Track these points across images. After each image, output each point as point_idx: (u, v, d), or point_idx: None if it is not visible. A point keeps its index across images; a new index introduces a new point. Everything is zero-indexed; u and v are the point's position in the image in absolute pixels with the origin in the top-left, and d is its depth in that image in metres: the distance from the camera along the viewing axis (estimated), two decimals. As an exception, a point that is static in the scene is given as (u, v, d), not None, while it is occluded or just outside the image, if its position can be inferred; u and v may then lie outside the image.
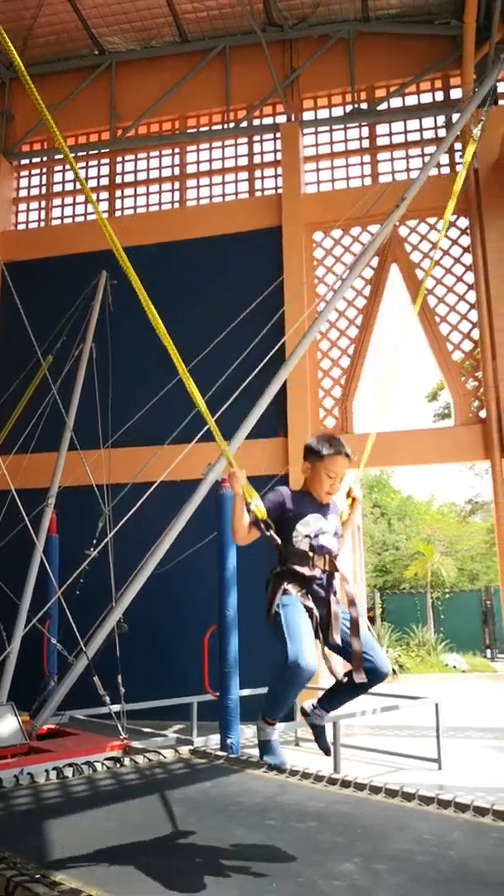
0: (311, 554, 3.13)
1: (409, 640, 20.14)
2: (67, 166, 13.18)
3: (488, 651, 21.48)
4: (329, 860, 2.99)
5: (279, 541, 3.20)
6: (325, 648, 3.11)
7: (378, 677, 3.09)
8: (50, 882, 2.71)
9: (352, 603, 3.10)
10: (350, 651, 3.06)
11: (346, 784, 4.16)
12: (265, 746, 3.12)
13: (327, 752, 3.35)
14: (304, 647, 2.82)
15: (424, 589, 24.14)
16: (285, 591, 3.07)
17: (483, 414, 10.33)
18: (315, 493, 3.29)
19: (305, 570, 3.09)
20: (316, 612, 3.05)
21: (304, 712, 3.30)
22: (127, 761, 4.95)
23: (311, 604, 3.07)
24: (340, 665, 3.17)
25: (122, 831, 3.49)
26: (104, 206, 12.87)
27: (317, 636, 3.06)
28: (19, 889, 2.64)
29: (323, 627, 3.07)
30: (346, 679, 3.12)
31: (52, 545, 7.97)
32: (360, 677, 3.00)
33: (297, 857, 3.02)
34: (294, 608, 3.00)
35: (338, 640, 3.03)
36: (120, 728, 5.84)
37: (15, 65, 3.23)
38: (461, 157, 11.17)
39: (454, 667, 18.33)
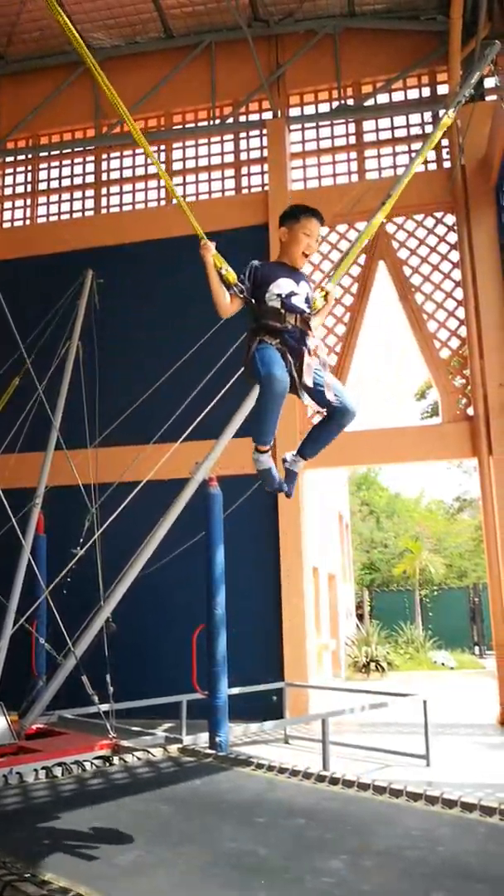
0: (282, 311, 3.43)
1: (398, 638, 20.21)
2: (54, 163, 13.12)
3: (476, 648, 21.58)
4: (317, 856, 2.99)
5: (253, 301, 3.51)
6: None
7: (348, 414, 3.45)
8: (39, 881, 2.71)
9: (316, 350, 3.42)
10: (322, 392, 3.39)
11: (334, 781, 4.17)
12: (261, 475, 3.47)
13: (288, 495, 3.70)
14: (275, 366, 3.19)
15: (413, 586, 24.22)
16: (261, 341, 3.39)
17: (471, 411, 10.36)
18: (291, 257, 3.61)
19: (278, 324, 3.41)
20: (290, 356, 3.37)
21: (283, 460, 3.64)
22: (116, 760, 4.95)
23: (284, 349, 3.39)
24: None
25: (112, 830, 3.49)
26: (90, 203, 12.82)
27: (291, 379, 3.35)
28: (8, 888, 2.63)
29: (297, 371, 3.37)
30: (317, 421, 3.54)
31: (40, 545, 7.94)
32: (329, 395, 3.38)
33: (285, 854, 3.02)
34: (268, 350, 3.34)
35: (309, 382, 3.37)
36: (109, 727, 5.83)
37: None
38: (448, 153, 11.19)
39: (442, 664, 18.41)
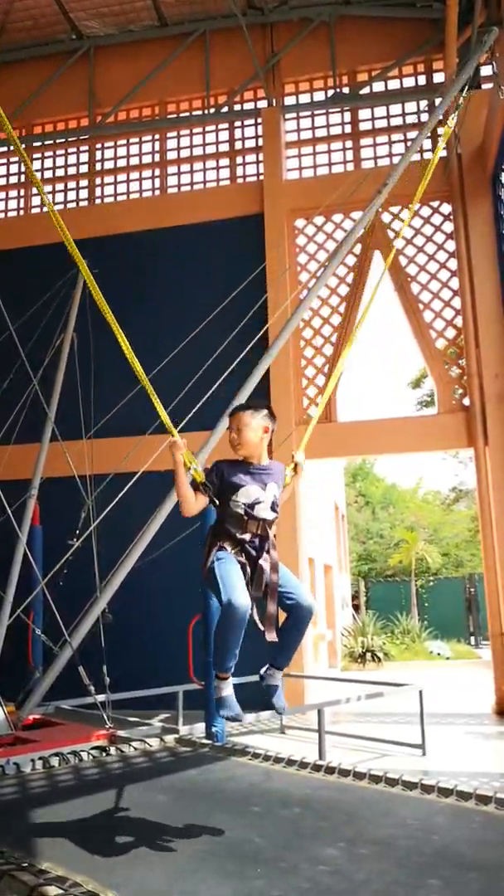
0: (245, 518, 3.31)
1: (394, 628, 20.26)
2: (48, 153, 13.05)
3: (472, 638, 21.66)
4: (313, 845, 3.00)
5: (217, 502, 3.40)
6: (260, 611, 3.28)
7: (303, 611, 3.29)
8: (37, 870, 2.71)
9: (274, 569, 3.28)
10: (284, 594, 3.28)
11: (330, 770, 4.18)
12: (220, 702, 3.25)
13: (280, 712, 3.50)
14: (237, 590, 3.04)
15: (409, 577, 24.28)
16: (221, 548, 3.28)
17: (467, 401, 10.35)
18: (242, 456, 3.47)
19: (238, 533, 3.29)
20: (248, 570, 3.26)
21: (260, 677, 3.47)
22: (113, 750, 4.96)
23: (244, 559, 3.27)
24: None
25: (109, 819, 3.50)
26: (84, 193, 12.76)
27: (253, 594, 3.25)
28: (6, 877, 2.64)
29: (254, 585, 3.26)
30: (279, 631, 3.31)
31: (36, 536, 7.93)
32: (270, 636, 3.23)
33: (281, 843, 3.03)
34: (227, 561, 3.22)
35: (259, 594, 3.24)
36: (105, 717, 5.84)
37: None
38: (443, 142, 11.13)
39: (438, 654, 18.47)
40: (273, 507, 3.40)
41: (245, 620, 2.99)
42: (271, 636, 3.22)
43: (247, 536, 3.28)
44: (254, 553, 3.28)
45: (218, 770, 4.38)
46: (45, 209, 12.83)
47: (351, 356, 11.07)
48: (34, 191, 12.99)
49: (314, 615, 3.41)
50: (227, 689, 3.28)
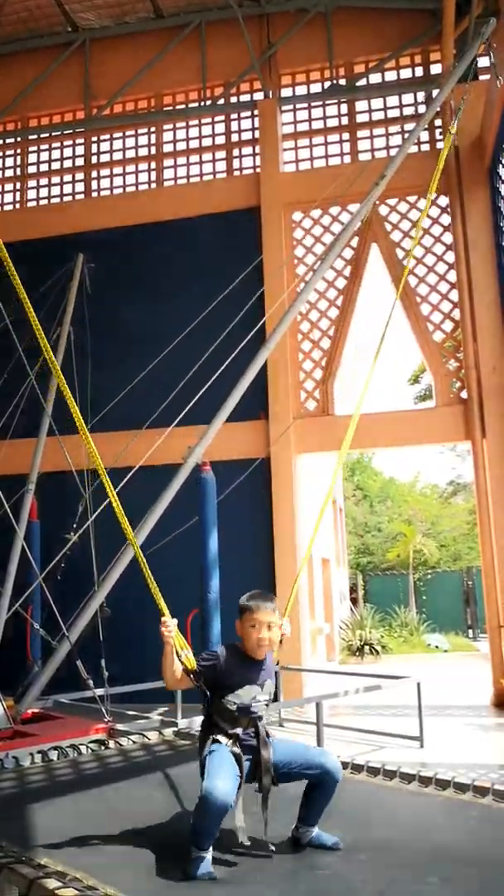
0: (236, 715, 3.12)
1: (392, 621, 20.30)
2: (44, 146, 12.97)
3: (470, 631, 21.70)
4: (312, 838, 3.00)
5: (208, 693, 3.20)
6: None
7: (331, 777, 3.03)
8: (36, 864, 2.71)
9: (267, 770, 3.06)
10: (291, 772, 3.08)
11: (329, 763, 4.17)
12: (194, 863, 2.82)
13: (335, 847, 3.08)
14: (218, 781, 2.82)
15: (407, 570, 24.31)
16: (215, 741, 3.09)
17: (464, 395, 10.35)
18: (249, 650, 3.23)
19: (229, 728, 3.11)
20: (243, 758, 3.05)
21: (293, 838, 3.14)
22: (111, 744, 4.97)
23: (238, 751, 3.07)
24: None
25: (107, 813, 3.50)
26: (80, 186, 12.70)
27: (250, 780, 3.07)
28: (6, 871, 2.64)
29: (255, 775, 3.08)
30: (304, 798, 3.10)
31: (33, 531, 7.92)
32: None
33: (280, 836, 3.03)
34: (219, 752, 3.03)
35: (266, 782, 3.04)
36: (104, 711, 5.84)
37: None
38: (441, 134, 11.11)
39: (436, 647, 18.51)
40: (268, 703, 3.25)
41: (222, 812, 2.78)
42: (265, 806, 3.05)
43: (239, 731, 3.11)
44: (250, 741, 3.11)
45: (217, 763, 4.38)
46: (43, 202, 12.79)
47: (347, 348, 11.07)
48: (30, 184, 12.94)
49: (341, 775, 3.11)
50: (207, 867, 2.86)
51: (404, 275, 6.03)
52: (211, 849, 2.81)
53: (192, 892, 2.55)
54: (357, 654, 16.64)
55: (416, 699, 7.40)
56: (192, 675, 3.19)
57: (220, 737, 3.09)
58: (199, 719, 5.89)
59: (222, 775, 2.88)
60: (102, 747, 4.87)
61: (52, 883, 2.47)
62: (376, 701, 9.22)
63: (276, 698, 3.28)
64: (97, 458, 3.48)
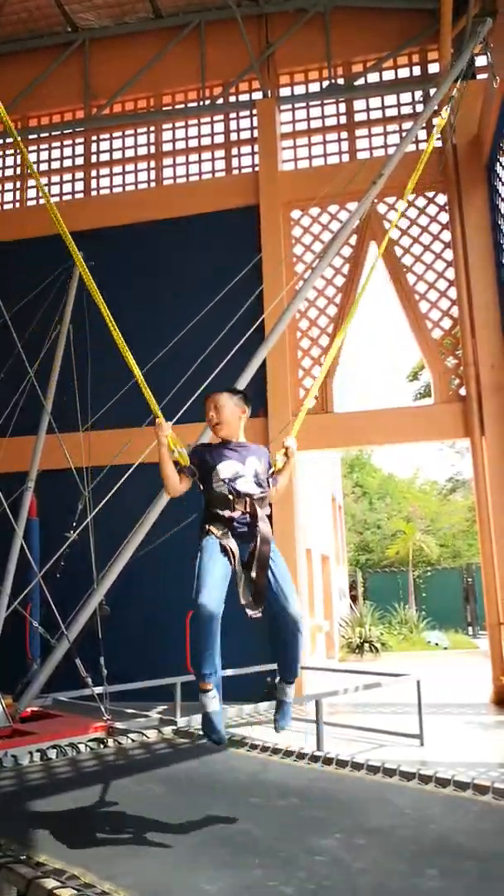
0: (230, 497, 3.27)
1: (392, 619, 20.32)
2: (44, 145, 12.97)
3: (470, 628, 21.72)
4: (311, 835, 3.01)
5: (202, 486, 3.40)
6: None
7: (288, 619, 3.19)
8: (34, 863, 2.72)
9: (265, 542, 3.21)
10: (273, 590, 3.20)
11: (327, 761, 4.19)
12: (204, 719, 3.14)
13: (276, 730, 3.47)
14: (206, 589, 3.00)
15: (406, 567, 24.33)
16: (208, 532, 3.24)
17: (463, 392, 10.35)
18: (216, 435, 3.56)
19: (226, 513, 3.25)
20: (237, 551, 3.19)
21: (273, 686, 3.45)
22: (110, 742, 4.97)
23: (232, 544, 3.20)
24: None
25: (106, 811, 3.50)
26: (80, 186, 12.70)
27: (242, 572, 3.18)
28: (4, 870, 2.65)
29: (246, 566, 3.19)
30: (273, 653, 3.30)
31: (32, 529, 7.91)
32: (253, 613, 3.14)
33: (279, 834, 3.03)
34: (209, 553, 3.17)
35: (261, 578, 3.17)
36: (103, 709, 5.84)
37: None
38: (437, 131, 11.10)
39: (436, 644, 18.52)
40: (258, 483, 3.36)
41: (212, 623, 2.90)
42: (254, 613, 3.13)
43: (236, 514, 3.23)
44: (243, 530, 3.23)
45: (216, 761, 4.40)
46: (42, 201, 12.79)
47: (346, 345, 11.05)
48: (30, 183, 12.93)
49: (301, 626, 3.23)
50: (212, 705, 3.12)
51: (384, 241, 6.01)
52: (217, 688, 3.02)
53: (191, 889, 2.55)
54: (356, 651, 16.66)
55: (415, 697, 7.40)
56: (186, 471, 3.42)
57: (212, 527, 3.23)
58: (197, 717, 5.92)
59: (209, 582, 3.03)
60: (101, 746, 4.88)
61: (50, 882, 2.48)
62: (376, 699, 9.22)
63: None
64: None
